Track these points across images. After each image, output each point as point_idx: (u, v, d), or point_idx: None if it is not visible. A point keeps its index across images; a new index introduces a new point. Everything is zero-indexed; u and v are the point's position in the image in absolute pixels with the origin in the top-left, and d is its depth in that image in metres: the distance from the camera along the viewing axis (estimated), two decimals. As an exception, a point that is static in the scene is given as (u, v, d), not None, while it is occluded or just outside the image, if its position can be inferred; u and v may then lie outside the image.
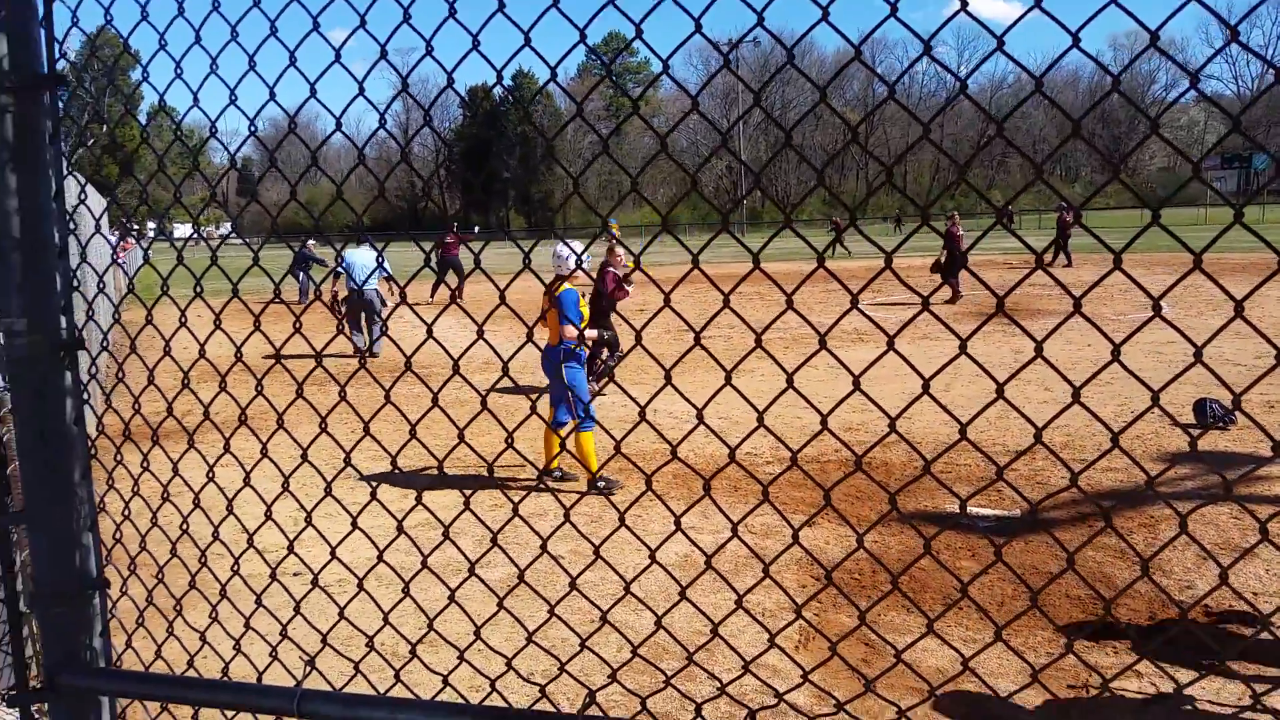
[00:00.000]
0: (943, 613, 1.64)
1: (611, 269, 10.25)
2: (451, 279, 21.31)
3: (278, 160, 1.84)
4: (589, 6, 1.59)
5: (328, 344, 2.47)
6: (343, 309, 14.14)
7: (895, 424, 1.32)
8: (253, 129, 1.70)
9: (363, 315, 13.87)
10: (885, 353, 1.21)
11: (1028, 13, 1.04)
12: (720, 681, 1.62)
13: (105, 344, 2.16)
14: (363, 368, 1.92)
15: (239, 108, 1.78)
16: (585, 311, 7.41)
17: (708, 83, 1.49)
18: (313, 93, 1.65)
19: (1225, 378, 1.10)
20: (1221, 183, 69.11)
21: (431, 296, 21.51)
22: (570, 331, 6.80)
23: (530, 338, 1.55)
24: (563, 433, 6.92)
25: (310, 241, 19.79)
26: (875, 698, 1.46)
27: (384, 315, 13.83)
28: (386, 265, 6.42)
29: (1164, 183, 77.90)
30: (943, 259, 17.97)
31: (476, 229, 23.09)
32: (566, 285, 7.00)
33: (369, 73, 1.61)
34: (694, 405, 1.46)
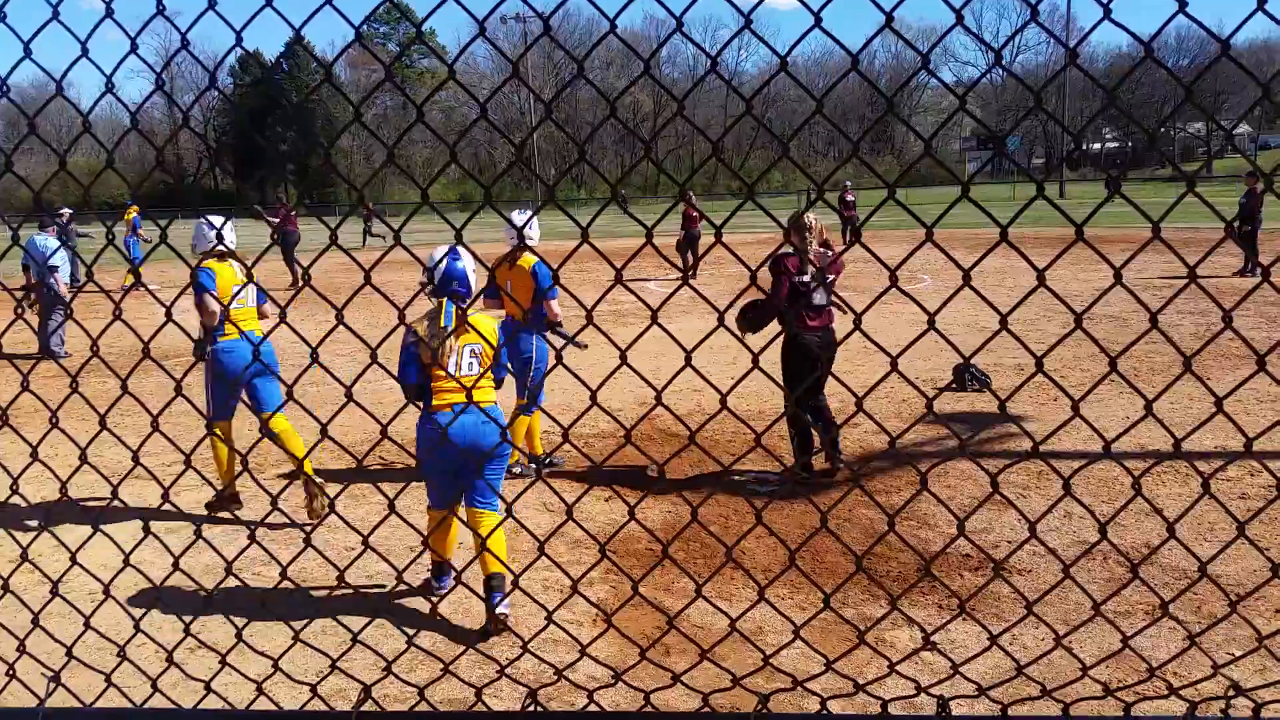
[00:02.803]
0: (710, 577, 1.70)
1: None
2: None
3: (14, 127, 1.65)
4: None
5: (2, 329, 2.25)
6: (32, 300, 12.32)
7: (661, 396, 1.34)
8: (5, 89, 1.52)
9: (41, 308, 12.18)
10: (648, 327, 1.22)
11: (767, -10, 1.06)
12: (499, 664, 1.60)
13: None
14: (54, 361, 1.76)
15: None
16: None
17: (461, 52, 1.44)
18: (27, 53, 1.49)
19: (983, 344, 1.19)
20: (976, 163, 75.03)
21: (295, 282, 18.87)
22: (555, 308, 6.27)
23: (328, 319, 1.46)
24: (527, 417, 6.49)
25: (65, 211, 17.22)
26: (659, 666, 1.48)
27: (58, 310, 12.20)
28: (60, 254, 5.57)
29: (927, 163, 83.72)
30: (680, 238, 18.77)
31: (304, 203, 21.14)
32: (533, 257, 6.37)
33: (92, 33, 1.46)
34: (463, 385, 1.43)
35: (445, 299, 4.54)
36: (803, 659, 3.86)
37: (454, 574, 4.69)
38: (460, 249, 4.69)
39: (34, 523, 4.61)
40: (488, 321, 4.59)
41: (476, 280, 4.82)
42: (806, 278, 6.04)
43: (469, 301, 4.60)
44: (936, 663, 3.83)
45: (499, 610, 4.18)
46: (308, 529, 1.58)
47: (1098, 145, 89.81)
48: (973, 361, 8.92)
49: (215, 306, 5.65)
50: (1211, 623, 3.89)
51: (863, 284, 15.21)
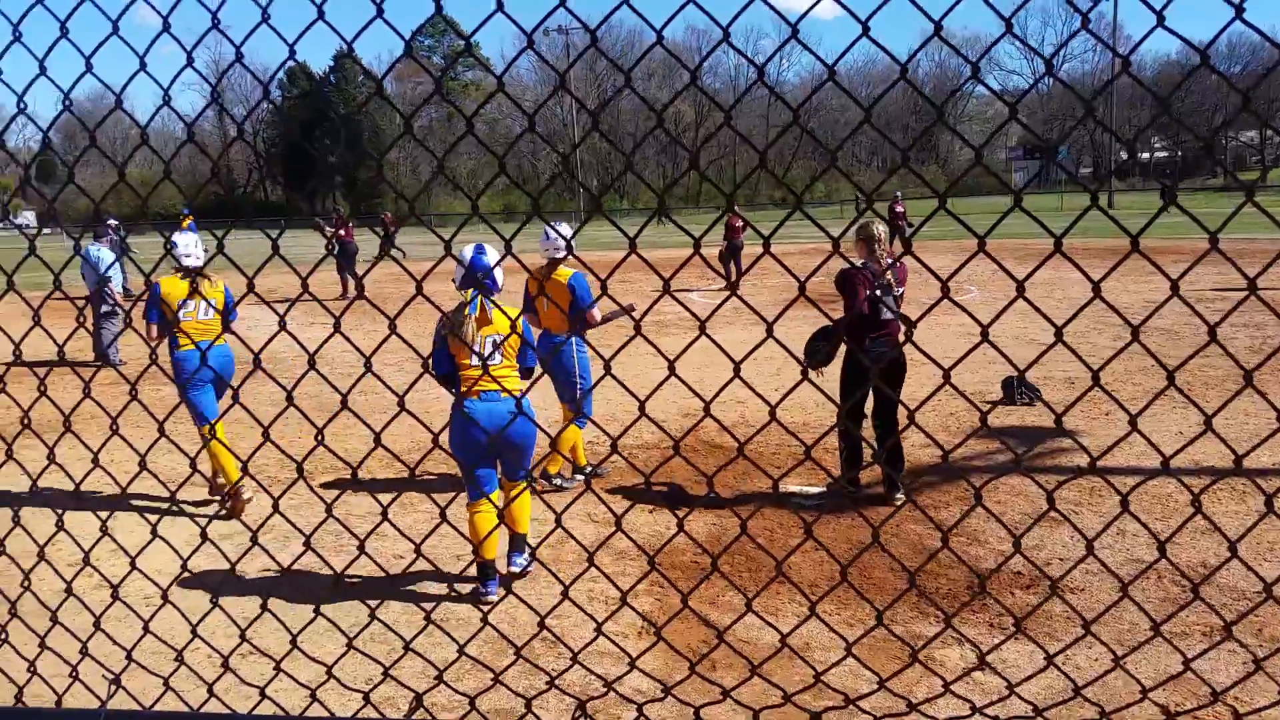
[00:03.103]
0: (759, 591, 1.69)
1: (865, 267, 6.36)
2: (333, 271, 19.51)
3: (71, 140, 1.70)
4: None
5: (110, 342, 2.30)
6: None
7: (710, 407, 1.34)
8: (21, 107, 1.56)
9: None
10: (696, 338, 1.22)
11: (818, 3, 1.06)
12: (550, 675, 1.60)
13: None
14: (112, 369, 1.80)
15: (4, 82, 1.63)
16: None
17: (510, 64, 1.46)
18: (89, 68, 1.53)
19: (1030, 357, 1.17)
20: (1023, 173, 74.12)
21: (345, 292, 19.24)
22: (596, 316, 6.40)
23: (377, 329, 1.48)
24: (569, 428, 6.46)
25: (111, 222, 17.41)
26: (706, 681, 1.48)
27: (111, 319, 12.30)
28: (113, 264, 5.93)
29: (973, 172, 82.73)
30: (722, 249, 18.64)
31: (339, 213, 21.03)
32: (571, 269, 6.47)
33: (150, 46, 1.50)
34: (512, 394, 1.44)
35: (471, 291, 4.78)
36: (850, 676, 3.82)
37: (498, 580, 4.87)
38: (487, 245, 5.05)
39: (95, 527, 4.72)
40: (508, 311, 4.75)
41: (501, 275, 5.09)
42: (878, 291, 5.92)
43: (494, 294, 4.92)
44: (987, 683, 3.77)
45: (512, 568, 4.99)
46: (361, 535, 1.60)
47: (1145, 154, 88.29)
48: (1023, 376, 8.80)
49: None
50: (1277, 647, 3.79)
51: (910, 294, 15.04)
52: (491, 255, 5.01)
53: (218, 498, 6.19)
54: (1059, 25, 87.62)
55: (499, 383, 1.76)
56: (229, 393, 1.44)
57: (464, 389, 4.79)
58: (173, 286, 6.27)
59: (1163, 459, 1.26)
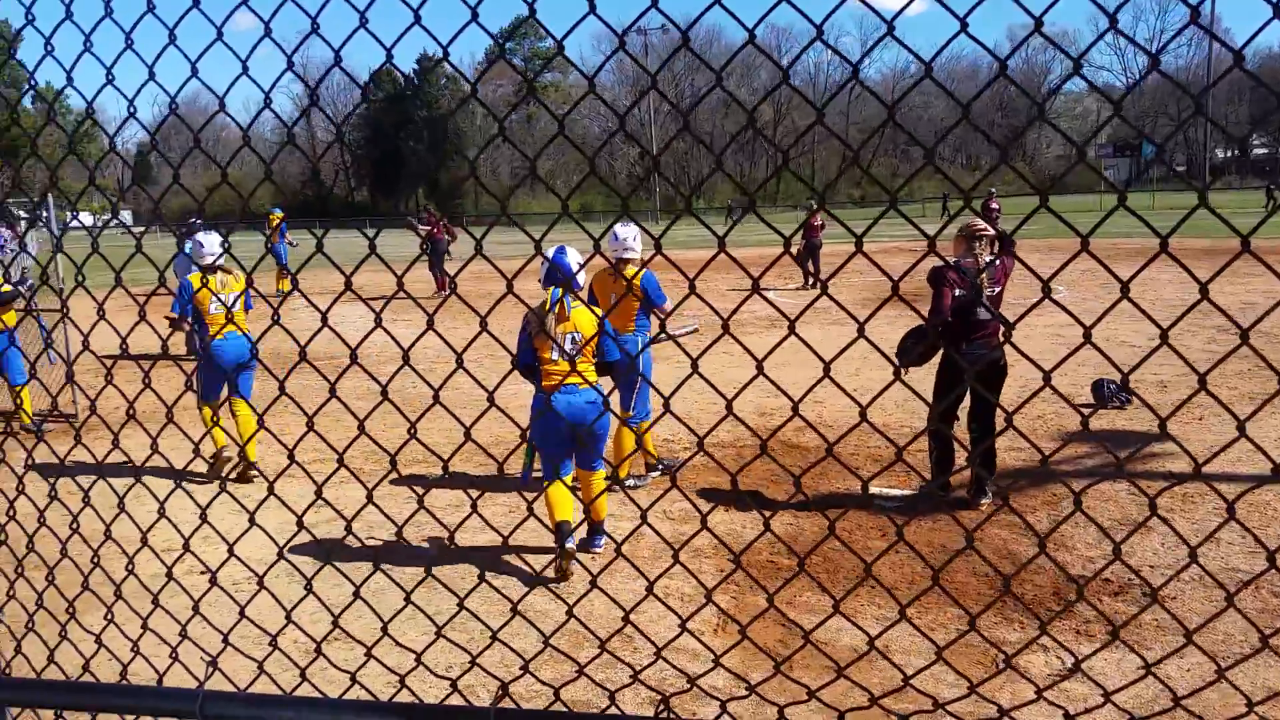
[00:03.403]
0: (847, 593, 1.67)
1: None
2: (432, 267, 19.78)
3: (178, 144, 1.77)
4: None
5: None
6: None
7: (798, 407, 1.33)
8: (132, 111, 1.62)
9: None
10: (786, 337, 1.22)
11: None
12: (633, 668, 1.61)
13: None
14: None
15: (116, 88, 1.69)
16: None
17: (603, 64, 1.47)
18: (194, 73, 1.59)
19: (1120, 359, 1.14)
20: (1113, 171, 71.85)
21: (440, 289, 19.40)
22: (668, 308, 6.25)
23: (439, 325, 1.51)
24: (644, 425, 6.45)
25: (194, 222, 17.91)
26: (787, 679, 1.47)
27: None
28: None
29: (1060, 170, 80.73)
30: (800, 248, 18.37)
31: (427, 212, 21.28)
32: (644, 269, 6.40)
33: (252, 51, 1.55)
34: (600, 392, 1.45)
35: (553, 289, 5.08)
36: (931, 680, 3.76)
37: (602, 536, 5.46)
38: (568, 247, 5.30)
39: (193, 513, 4.91)
40: (586, 314, 5.13)
41: (584, 275, 5.53)
42: (969, 291, 5.76)
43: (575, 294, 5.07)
44: (1074, 690, 3.67)
45: (595, 549, 5.37)
46: (451, 530, 1.63)
47: (1237, 152, 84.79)
48: (1112, 378, 8.53)
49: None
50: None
51: (1006, 295, 14.72)
52: (572, 256, 5.24)
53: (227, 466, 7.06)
54: (1151, 20, 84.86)
55: (582, 376, 1.78)
56: (275, 383, 1.49)
57: (546, 382, 5.13)
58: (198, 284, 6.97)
59: (1274, 466, 1.21)
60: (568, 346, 5.07)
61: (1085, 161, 1.13)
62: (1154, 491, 5.94)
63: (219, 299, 6.88)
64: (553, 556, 5.05)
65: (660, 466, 6.76)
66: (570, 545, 4.98)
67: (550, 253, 5.23)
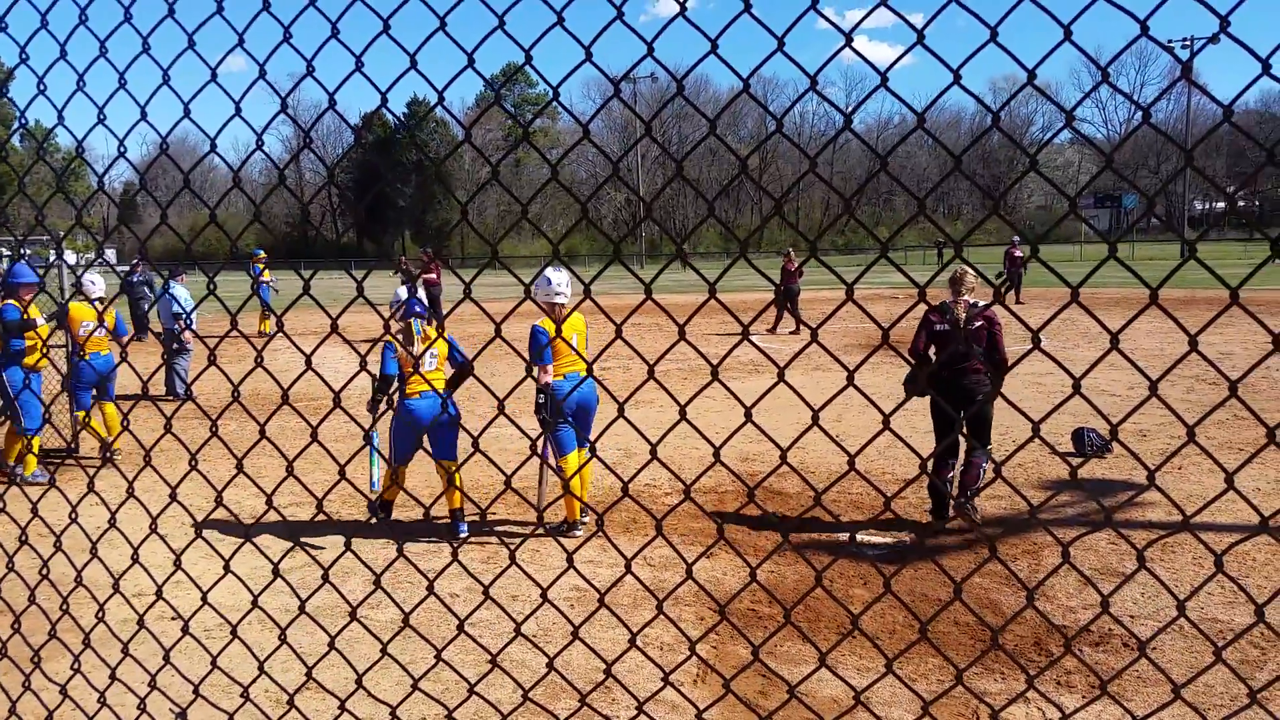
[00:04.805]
0: (833, 646, 1.64)
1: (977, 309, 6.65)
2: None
3: (164, 184, 1.75)
4: (482, 35, 1.56)
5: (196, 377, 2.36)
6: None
7: (786, 455, 1.32)
8: (121, 150, 1.61)
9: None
10: (775, 384, 1.21)
11: (910, 49, 1.05)
12: (613, 722, 1.58)
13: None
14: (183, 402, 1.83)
15: (107, 127, 1.69)
16: None
17: (598, 111, 1.47)
18: (186, 113, 1.58)
19: (1101, 407, 1.13)
20: (1095, 221, 72.93)
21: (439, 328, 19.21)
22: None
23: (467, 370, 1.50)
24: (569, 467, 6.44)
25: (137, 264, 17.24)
26: (769, 734, 1.44)
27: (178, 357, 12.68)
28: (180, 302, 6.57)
29: (1041, 220, 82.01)
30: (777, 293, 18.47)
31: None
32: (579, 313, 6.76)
33: (246, 93, 1.54)
34: (586, 439, 1.43)
35: (414, 320, 6.53)
36: (914, 732, 3.71)
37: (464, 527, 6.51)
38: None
39: (167, 559, 4.82)
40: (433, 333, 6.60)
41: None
42: (946, 326, 6.35)
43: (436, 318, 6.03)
44: (1058, 744, 3.63)
45: (462, 535, 6.42)
46: (429, 576, 1.60)
47: (1218, 204, 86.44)
48: (1091, 426, 8.57)
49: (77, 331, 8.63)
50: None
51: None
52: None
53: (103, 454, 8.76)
54: (1131, 75, 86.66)
55: (430, 384, 1.75)
56: (256, 429, 1.47)
57: (410, 389, 6.38)
58: (78, 310, 8.60)
59: (1261, 518, 1.21)
60: (427, 361, 6.48)
61: (1075, 213, 1.13)
62: (1137, 541, 5.94)
63: (91, 324, 8.54)
64: (534, 600, 4.98)
65: (581, 523, 6.52)
66: (463, 533, 6.38)
67: (401, 293, 6.54)
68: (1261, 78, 1.06)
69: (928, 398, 6.57)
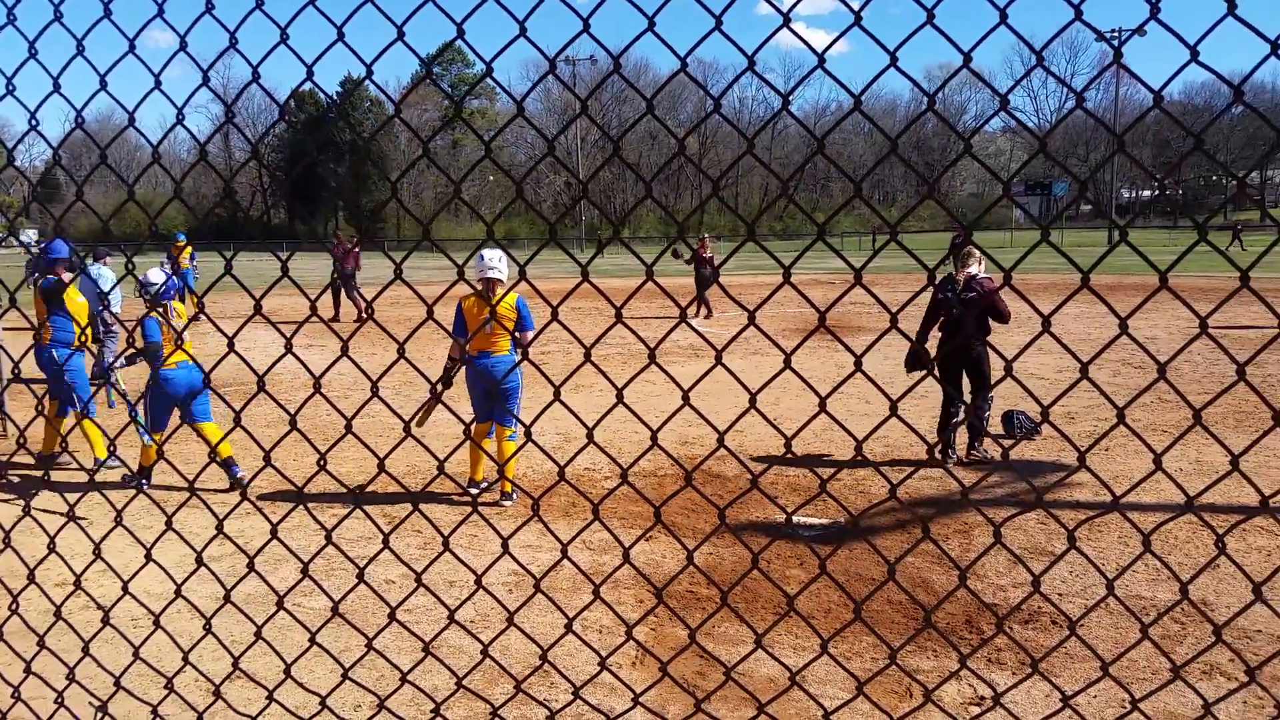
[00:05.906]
0: (770, 627, 1.65)
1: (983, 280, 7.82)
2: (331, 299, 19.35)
3: (91, 163, 1.68)
4: (414, 9, 1.52)
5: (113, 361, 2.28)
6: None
7: (724, 438, 1.31)
8: (33, 123, 1.54)
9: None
10: (713, 367, 1.20)
11: (848, 29, 1.04)
12: (550, 709, 1.56)
13: None
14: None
15: (17, 98, 1.61)
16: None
17: (533, 87, 1.44)
18: (103, 85, 1.51)
19: (1031, 390, 1.15)
20: (1027, 207, 74.51)
21: (338, 315, 19.19)
22: (529, 337, 6.71)
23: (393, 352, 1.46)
24: (496, 443, 7.02)
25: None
26: (707, 715, 1.44)
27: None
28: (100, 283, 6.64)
29: (973, 207, 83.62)
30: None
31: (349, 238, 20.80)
32: (513, 295, 6.81)
33: (165, 65, 1.48)
34: (521, 423, 1.41)
35: (168, 304, 7.24)
36: (848, 712, 3.77)
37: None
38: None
39: (87, 548, 4.69)
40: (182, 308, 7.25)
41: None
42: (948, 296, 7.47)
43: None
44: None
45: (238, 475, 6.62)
46: (361, 563, 1.56)
47: (1144, 192, 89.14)
48: (1021, 409, 8.77)
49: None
50: None
51: (908, 326, 15.05)
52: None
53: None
54: (1061, 64, 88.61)
55: (187, 353, 1.73)
56: (230, 414, 1.42)
57: (167, 362, 6.92)
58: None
59: (1187, 498, 1.23)
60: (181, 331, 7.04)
61: (1009, 197, 1.14)
62: (1066, 520, 6.09)
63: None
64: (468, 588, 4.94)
65: (513, 497, 6.94)
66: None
67: (153, 276, 7.41)
68: (1189, 65, 1.07)
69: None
